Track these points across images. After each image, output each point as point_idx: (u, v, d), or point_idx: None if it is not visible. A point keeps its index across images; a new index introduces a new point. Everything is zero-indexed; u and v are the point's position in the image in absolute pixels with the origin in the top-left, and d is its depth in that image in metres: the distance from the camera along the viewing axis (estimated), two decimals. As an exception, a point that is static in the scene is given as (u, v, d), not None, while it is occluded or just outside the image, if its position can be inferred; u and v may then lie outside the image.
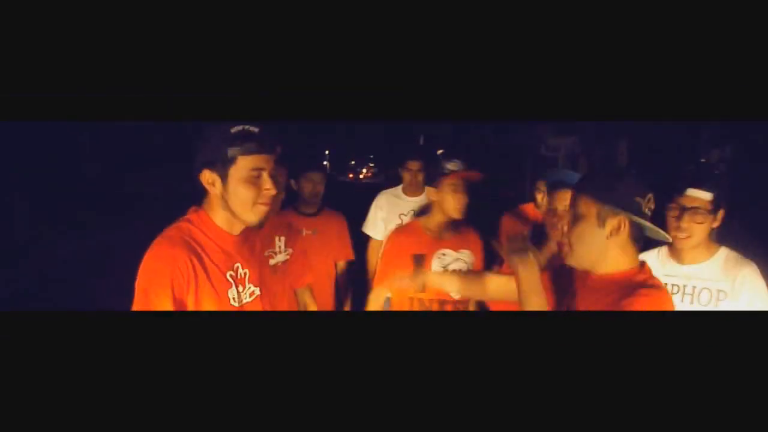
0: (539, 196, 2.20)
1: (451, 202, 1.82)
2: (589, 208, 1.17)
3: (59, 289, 4.66)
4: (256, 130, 1.21)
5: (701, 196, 1.57)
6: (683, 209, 1.57)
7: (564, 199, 1.80)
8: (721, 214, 1.58)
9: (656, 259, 1.69)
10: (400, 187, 2.64)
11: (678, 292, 1.64)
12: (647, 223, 1.14)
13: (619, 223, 1.15)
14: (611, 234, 1.15)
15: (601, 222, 1.16)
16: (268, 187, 1.22)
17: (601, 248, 1.17)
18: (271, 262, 1.91)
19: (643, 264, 1.20)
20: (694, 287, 1.64)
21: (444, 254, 1.89)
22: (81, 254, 6.36)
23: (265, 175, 1.22)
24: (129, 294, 1.10)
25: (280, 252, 1.99)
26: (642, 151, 5.11)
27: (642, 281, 1.14)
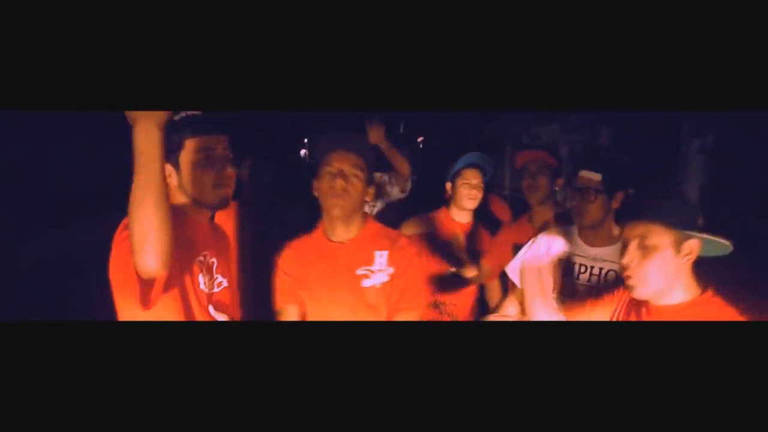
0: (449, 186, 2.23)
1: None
2: (662, 237, 1.15)
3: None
4: (198, 112, 1.18)
5: (592, 176, 1.64)
6: (576, 190, 1.67)
7: (473, 177, 2.10)
8: (619, 196, 1.63)
9: (569, 239, 1.77)
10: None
11: (585, 272, 1.71)
12: (713, 238, 1.13)
13: (692, 246, 1.15)
14: (685, 259, 1.15)
15: (677, 249, 1.15)
16: (224, 166, 1.22)
17: (675, 275, 1.16)
18: (366, 283, 1.46)
19: (707, 287, 1.19)
20: (600, 269, 1.69)
21: None
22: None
23: (217, 155, 1.21)
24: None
25: (380, 270, 1.47)
26: (624, 141, 4.95)
27: (715, 310, 1.14)
